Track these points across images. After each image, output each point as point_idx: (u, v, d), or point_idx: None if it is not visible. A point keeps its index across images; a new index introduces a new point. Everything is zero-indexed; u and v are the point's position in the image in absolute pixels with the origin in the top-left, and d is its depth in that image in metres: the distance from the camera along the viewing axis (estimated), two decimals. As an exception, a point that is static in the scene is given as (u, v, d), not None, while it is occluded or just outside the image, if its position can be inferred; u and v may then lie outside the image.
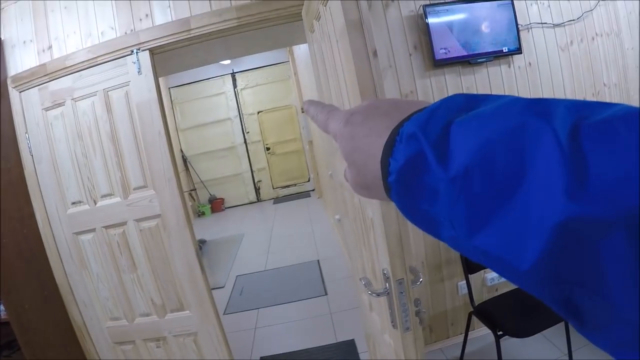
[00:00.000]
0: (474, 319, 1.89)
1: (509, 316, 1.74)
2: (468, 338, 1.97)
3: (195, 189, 7.05)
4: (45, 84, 1.78)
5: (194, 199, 6.97)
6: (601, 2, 2.17)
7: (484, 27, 1.95)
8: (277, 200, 7.11)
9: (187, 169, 6.93)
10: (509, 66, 2.05)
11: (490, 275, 2.14)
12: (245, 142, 7.12)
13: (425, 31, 1.91)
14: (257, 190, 7.27)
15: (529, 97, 0.20)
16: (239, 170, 7.18)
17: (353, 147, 0.27)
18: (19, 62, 1.82)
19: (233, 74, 6.96)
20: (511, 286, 2.03)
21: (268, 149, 7.16)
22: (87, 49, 1.73)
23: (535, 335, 1.64)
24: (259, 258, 4.24)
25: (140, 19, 1.75)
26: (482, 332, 2.14)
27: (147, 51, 1.71)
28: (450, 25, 1.92)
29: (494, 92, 2.03)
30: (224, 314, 3.05)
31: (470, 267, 1.85)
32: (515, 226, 0.16)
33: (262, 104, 7.03)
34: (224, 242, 5.11)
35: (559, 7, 2.11)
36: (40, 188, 1.84)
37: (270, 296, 3.24)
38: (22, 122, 1.82)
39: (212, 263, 4.38)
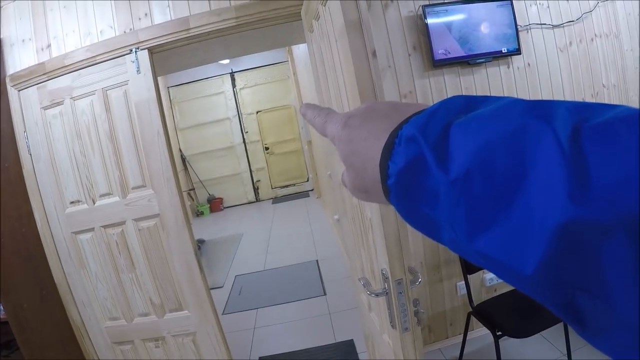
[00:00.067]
0: (473, 319, 1.89)
1: (507, 316, 1.75)
2: (467, 338, 1.97)
3: (194, 189, 7.04)
4: (44, 83, 1.77)
5: (192, 199, 6.96)
6: (600, 3, 2.18)
7: (483, 28, 1.95)
8: (276, 200, 7.11)
9: (185, 168, 6.92)
10: (508, 67, 2.05)
11: (489, 275, 2.14)
12: (244, 141, 7.12)
13: (425, 31, 1.91)
14: (255, 190, 7.26)
15: (528, 98, 0.20)
16: (237, 170, 7.17)
17: (351, 150, 0.26)
18: (18, 61, 1.81)
19: (232, 74, 6.95)
20: (510, 286, 2.03)
21: (267, 148, 7.15)
22: (86, 48, 1.73)
23: (534, 335, 1.64)
24: (257, 258, 4.24)
25: (140, 18, 1.75)
26: (481, 333, 2.14)
27: (146, 50, 1.71)
28: (449, 26, 1.92)
29: (493, 93, 2.04)
30: (222, 313, 3.05)
31: (469, 268, 1.85)
32: (516, 229, 0.16)
33: (261, 104, 7.02)
34: (223, 242, 5.10)
35: (558, 8, 2.11)
36: (38, 187, 1.84)
37: (269, 296, 3.24)
38: (20, 121, 1.81)
39: (210, 263, 4.38)
